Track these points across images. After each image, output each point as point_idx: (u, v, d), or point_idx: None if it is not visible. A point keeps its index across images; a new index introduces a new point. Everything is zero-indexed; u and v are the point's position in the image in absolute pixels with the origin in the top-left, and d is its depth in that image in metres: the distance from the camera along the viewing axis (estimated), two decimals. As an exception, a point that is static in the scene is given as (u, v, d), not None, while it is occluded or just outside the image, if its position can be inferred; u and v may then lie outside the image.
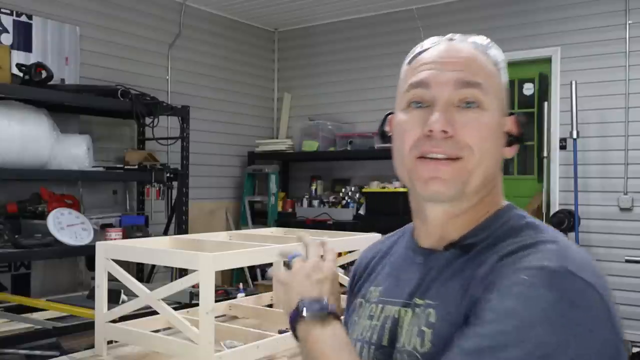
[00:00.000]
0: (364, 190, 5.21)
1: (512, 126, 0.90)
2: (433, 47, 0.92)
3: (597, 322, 0.73)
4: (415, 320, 0.86)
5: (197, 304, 1.76)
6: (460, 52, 0.89)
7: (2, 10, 4.06)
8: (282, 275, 0.98)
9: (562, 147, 4.77)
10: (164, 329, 2.17)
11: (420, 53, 0.93)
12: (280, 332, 2.10)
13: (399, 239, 1.02)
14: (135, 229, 3.97)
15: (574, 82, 4.45)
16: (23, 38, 4.15)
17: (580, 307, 0.72)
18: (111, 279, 1.96)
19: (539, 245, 0.79)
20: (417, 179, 0.86)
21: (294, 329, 0.91)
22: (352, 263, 2.16)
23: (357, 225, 4.87)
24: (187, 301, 2.90)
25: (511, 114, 0.91)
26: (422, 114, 0.86)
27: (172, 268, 4.58)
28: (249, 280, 5.21)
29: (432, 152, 0.84)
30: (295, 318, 0.91)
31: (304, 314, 0.89)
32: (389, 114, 0.96)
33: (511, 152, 0.91)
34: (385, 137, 0.95)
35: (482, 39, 0.93)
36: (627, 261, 4.37)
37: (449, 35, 0.93)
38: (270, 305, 2.56)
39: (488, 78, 0.87)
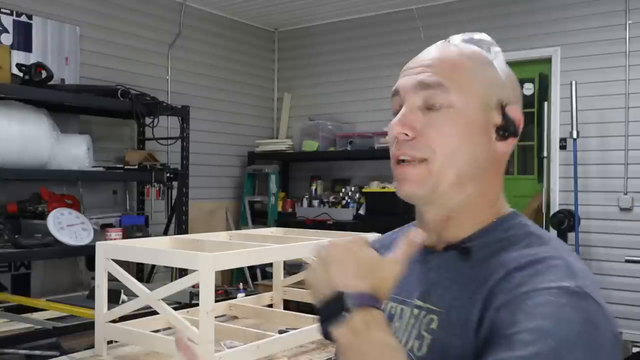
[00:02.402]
0: (364, 190, 5.21)
1: (500, 118, 0.87)
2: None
3: (612, 342, 0.73)
4: (414, 322, 0.86)
5: (197, 304, 1.76)
6: (428, 54, 0.89)
7: (2, 10, 4.06)
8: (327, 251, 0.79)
9: (562, 147, 4.77)
10: (164, 329, 2.17)
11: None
12: (280, 332, 2.10)
13: (401, 237, 1.00)
14: (135, 229, 3.97)
15: (574, 82, 4.46)
16: (23, 38, 4.15)
17: (601, 328, 0.72)
18: (111, 279, 1.96)
19: (547, 261, 0.77)
20: (395, 180, 0.89)
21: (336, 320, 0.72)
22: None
23: (357, 225, 4.87)
24: (187, 301, 2.90)
25: (501, 106, 0.87)
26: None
27: (172, 268, 4.58)
28: (249, 280, 5.21)
29: (397, 155, 0.86)
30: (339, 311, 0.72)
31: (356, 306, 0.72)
32: None
33: (505, 146, 0.87)
34: None
35: (474, 35, 0.92)
36: (627, 261, 4.37)
37: (450, 37, 0.93)
38: (270, 306, 2.56)
39: (456, 73, 0.86)
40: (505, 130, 0.87)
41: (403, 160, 0.86)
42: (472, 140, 0.85)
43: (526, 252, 0.80)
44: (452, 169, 0.84)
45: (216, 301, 1.96)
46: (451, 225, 0.89)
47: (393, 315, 0.92)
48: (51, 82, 3.70)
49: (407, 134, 0.84)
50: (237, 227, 5.63)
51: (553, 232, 4.56)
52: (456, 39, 0.92)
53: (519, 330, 0.70)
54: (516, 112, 0.88)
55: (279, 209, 5.68)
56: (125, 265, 2.01)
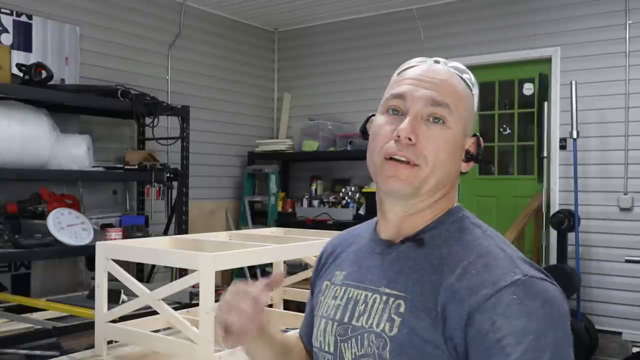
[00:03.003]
0: (364, 190, 5.21)
1: (472, 146, 1.04)
2: (418, 65, 1.05)
3: (562, 300, 0.91)
4: (384, 307, 0.97)
5: (197, 304, 1.76)
6: (437, 74, 1.02)
7: (2, 10, 4.06)
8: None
9: (562, 147, 4.77)
10: (164, 329, 2.17)
11: (407, 69, 1.06)
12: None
13: (363, 231, 1.15)
14: (135, 229, 3.97)
15: (574, 82, 4.45)
16: (23, 38, 4.15)
17: (555, 299, 0.90)
18: (111, 279, 1.96)
19: (492, 254, 0.94)
20: (380, 176, 0.99)
21: None
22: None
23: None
24: (187, 301, 2.90)
25: (474, 135, 1.04)
26: (396, 120, 0.99)
27: (172, 268, 4.58)
28: (249, 281, 5.21)
29: (396, 154, 0.97)
30: None
31: None
32: (372, 115, 1.09)
33: (467, 167, 1.05)
34: (365, 134, 1.08)
35: (461, 66, 1.06)
36: (627, 261, 4.37)
37: (435, 58, 1.07)
38: (270, 306, 2.56)
39: (457, 101, 1.00)
40: (472, 156, 1.04)
41: (396, 159, 0.97)
42: (453, 158, 1.00)
43: (473, 243, 0.97)
44: (435, 177, 0.98)
45: (216, 301, 1.95)
46: (410, 220, 1.02)
47: (352, 300, 1.04)
48: (51, 82, 3.70)
49: (410, 139, 0.96)
50: (237, 227, 5.63)
51: (552, 235, 4.56)
52: (445, 63, 1.06)
53: (503, 335, 0.86)
54: (481, 143, 1.05)
55: (279, 209, 5.68)
56: (125, 265, 2.01)
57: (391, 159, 0.97)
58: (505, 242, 0.99)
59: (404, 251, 1.01)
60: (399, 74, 1.07)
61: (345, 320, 1.02)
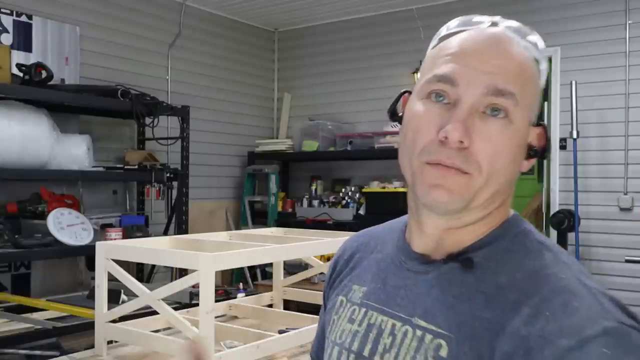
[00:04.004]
0: (364, 190, 5.21)
1: (537, 138, 0.81)
2: (470, 31, 0.80)
3: None
4: (418, 346, 0.76)
5: (197, 304, 1.76)
6: (501, 49, 0.77)
7: (2, 10, 4.06)
8: None
9: (562, 147, 4.77)
10: (164, 329, 2.17)
11: (454, 34, 0.81)
12: (280, 332, 2.10)
13: (387, 235, 0.93)
14: (135, 229, 3.97)
15: (574, 82, 4.46)
16: (23, 38, 4.15)
17: None
18: (111, 279, 1.96)
19: (570, 290, 0.71)
20: (420, 183, 0.77)
21: None
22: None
23: (357, 225, 4.86)
24: (187, 301, 2.90)
25: (539, 124, 0.80)
26: (442, 112, 0.76)
27: (172, 268, 4.58)
28: (249, 280, 5.21)
29: (444, 162, 0.74)
30: None
31: None
32: (404, 92, 0.85)
33: (528, 165, 0.82)
34: (395, 116, 0.85)
35: (526, 29, 0.82)
36: (627, 261, 4.37)
37: (492, 18, 0.83)
38: (270, 306, 2.56)
39: (525, 85, 0.77)
40: (535, 151, 0.81)
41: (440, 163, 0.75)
42: (515, 161, 0.78)
43: (543, 272, 0.73)
44: (491, 187, 0.76)
45: (216, 301, 1.96)
46: (454, 235, 0.80)
47: (375, 327, 0.82)
48: (51, 82, 3.70)
49: (463, 142, 0.73)
50: (237, 227, 5.63)
51: (552, 235, 4.56)
52: (506, 25, 0.82)
53: None
54: (548, 134, 0.82)
55: (279, 209, 5.68)
56: (125, 265, 2.01)
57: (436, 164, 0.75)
58: (583, 272, 0.75)
59: (446, 273, 0.78)
60: (442, 39, 0.82)
61: (366, 354, 0.81)
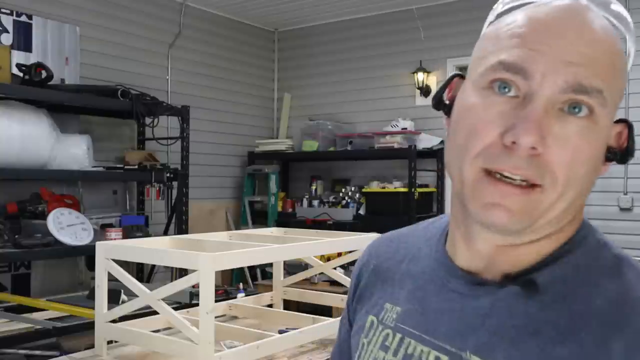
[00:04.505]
0: (364, 190, 5.21)
1: (615, 138, 0.65)
2: (541, 4, 0.63)
3: None
4: None
5: (197, 304, 1.76)
6: (586, 31, 0.60)
7: (2, 10, 4.06)
8: None
9: (562, 147, 4.77)
10: (164, 329, 2.17)
11: (524, 5, 0.64)
12: (280, 332, 2.10)
13: (420, 241, 0.78)
14: (135, 229, 3.97)
15: (574, 82, 4.46)
16: (23, 38, 4.15)
17: None
18: (111, 279, 1.96)
19: None
20: (473, 198, 0.62)
21: None
22: (352, 263, 2.16)
23: (357, 225, 4.87)
24: (187, 301, 2.90)
25: (622, 120, 0.65)
26: (507, 108, 0.60)
27: (172, 268, 4.58)
28: (249, 280, 5.21)
29: (509, 172, 0.59)
30: None
31: None
32: (457, 75, 0.70)
33: (605, 169, 0.66)
34: (440, 104, 0.70)
35: (620, 10, 0.65)
36: (627, 261, 4.37)
37: None
38: (270, 306, 2.56)
39: (614, 79, 0.61)
40: (615, 154, 0.65)
41: (505, 177, 0.60)
42: (596, 167, 0.63)
43: (630, 295, 0.60)
44: (564, 203, 0.61)
45: (216, 301, 1.95)
46: (512, 253, 0.65)
47: (412, 358, 0.69)
48: (51, 82, 3.70)
49: (536, 148, 0.58)
50: (237, 227, 5.63)
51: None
52: (612, 6, 0.65)
53: None
54: (633, 130, 0.66)
55: (279, 209, 5.68)
56: (125, 265, 2.01)
57: (496, 173, 0.60)
58: None
59: (504, 299, 0.64)
60: (504, 12, 0.66)
61: None
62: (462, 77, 0.69)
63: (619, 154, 0.65)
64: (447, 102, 0.69)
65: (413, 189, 4.87)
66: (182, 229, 4.33)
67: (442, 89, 0.70)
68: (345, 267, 3.33)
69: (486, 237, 0.65)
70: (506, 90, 0.61)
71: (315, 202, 5.48)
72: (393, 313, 0.74)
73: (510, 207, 0.59)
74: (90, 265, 3.59)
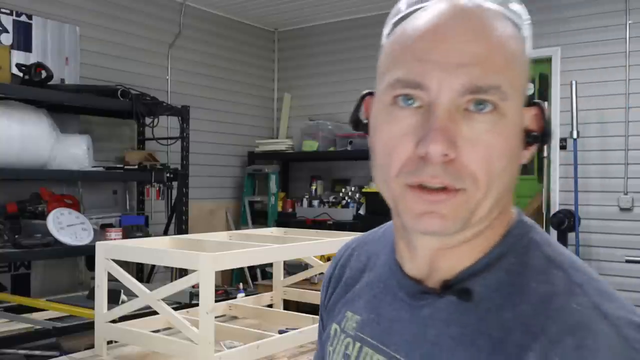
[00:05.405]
0: (364, 190, 5.20)
1: (533, 121, 0.66)
2: (430, 8, 0.63)
3: None
4: None
5: (197, 304, 1.76)
6: (477, 29, 0.61)
7: (1, 10, 4.06)
8: None
9: (562, 147, 4.77)
10: (164, 329, 2.17)
11: (412, 13, 0.65)
12: (280, 332, 2.10)
13: (379, 247, 0.80)
14: (135, 229, 3.97)
15: (574, 82, 4.45)
16: (23, 38, 4.14)
17: None
18: (111, 279, 1.96)
19: (587, 328, 0.58)
20: (405, 212, 0.64)
21: None
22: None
23: (357, 225, 4.86)
24: (187, 301, 2.90)
25: (534, 103, 0.66)
26: (415, 119, 0.61)
27: (172, 268, 4.58)
28: (249, 280, 5.21)
29: (429, 182, 0.61)
30: None
31: None
32: (368, 94, 0.73)
33: (529, 154, 0.67)
34: (359, 125, 0.73)
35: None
36: (627, 261, 4.37)
37: None
38: (270, 306, 2.56)
39: (511, 67, 0.62)
40: (535, 136, 0.66)
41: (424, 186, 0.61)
42: (515, 157, 0.64)
43: (552, 302, 0.60)
44: (491, 198, 0.62)
45: (216, 301, 1.95)
46: (449, 256, 0.67)
47: (349, 357, 0.73)
48: (51, 82, 3.70)
49: (448, 154, 0.59)
50: (237, 227, 5.62)
51: (553, 236, 4.55)
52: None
53: None
54: (545, 112, 0.66)
55: (279, 209, 5.67)
56: (125, 265, 2.01)
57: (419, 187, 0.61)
58: (603, 291, 0.61)
59: (443, 309, 0.65)
60: (396, 25, 0.67)
61: None
62: (372, 93, 0.70)
63: (540, 137, 0.66)
64: (366, 120, 0.71)
65: (413, 189, 4.86)
66: (182, 229, 4.33)
67: (355, 110, 0.74)
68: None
69: (424, 243, 0.67)
70: (410, 102, 0.62)
71: (315, 202, 5.48)
72: (353, 322, 0.76)
73: (441, 212, 0.61)
74: (90, 265, 3.59)
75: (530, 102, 0.66)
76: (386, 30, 0.70)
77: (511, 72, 0.62)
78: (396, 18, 0.67)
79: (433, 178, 0.60)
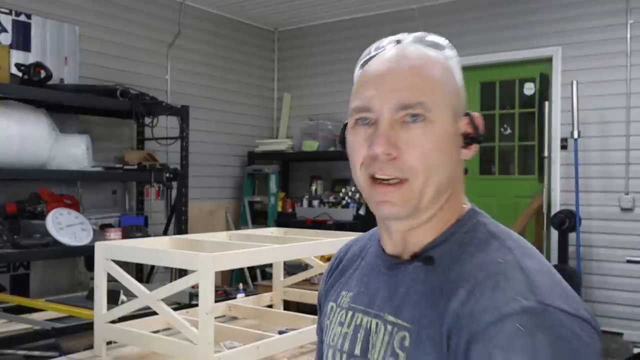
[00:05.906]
0: (364, 190, 5.19)
1: (467, 127, 0.88)
2: (378, 54, 0.91)
3: (586, 343, 0.76)
4: (388, 339, 0.86)
5: (197, 305, 1.75)
6: (403, 64, 0.86)
7: (1, 9, 4.05)
8: None
9: (563, 147, 4.76)
10: (164, 330, 2.16)
11: (368, 60, 0.92)
12: (280, 332, 2.09)
13: (370, 243, 1.02)
14: (135, 229, 3.96)
15: (574, 82, 4.45)
16: (22, 37, 4.14)
17: (569, 338, 0.74)
18: (110, 279, 1.95)
19: (504, 273, 0.78)
20: (371, 200, 0.87)
21: None
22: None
23: (357, 225, 4.86)
24: (187, 302, 2.89)
25: (467, 114, 0.89)
26: (368, 132, 0.86)
27: (172, 268, 4.57)
28: (249, 281, 5.20)
29: (379, 173, 0.84)
30: None
31: None
32: (346, 124, 0.95)
33: (469, 153, 0.89)
34: (344, 143, 0.94)
35: (428, 36, 0.90)
36: (629, 261, 4.36)
37: (397, 37, 0.92)
38: (270, 306, 2.55)
39: (435, 88, 0.85)
40: (471, 138, 0.88)
41: (378, 178, 0.85)
42: (448, 153, 0.85)
43: (485, 259, 0.81)
44: (432, 185, 0.84)
45: (216, 302, 1.95)
46: (415, 235, 0.89)
47: (362, 328, 0.91)
48: (50, 82, 3.69)
49: (390, 154, 0.82)
50: (237, 227, 5.62)
51: (553, 236, 4.54)
52: (409, 40, 0.91)
53: None
54: (479, 120, 0.89)
55: (279, 209, 5.67)
56: (124, 265, 2.00)
57: (376, 179, 0.85)
58: (532, 255, 0.82)
59: (411, 272, 0.87)
60: (361, 66, 0.94)
61: (357, 352, 0.91)
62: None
63: (474, 138, 0.88)
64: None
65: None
66: (181, 229, 4.32)
67: (342, 133, 0.95)
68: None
69: (396, 226, 0.89)
70: (366, 122, 0.86)
71: (315, 202, 5.47)
72: (347, 298, 0.97)
73: (392, 200, 0.84)
74: (90, 265, 3.58)
75: (464, 114, 0.88)
76: (357, 69, 0.96)
77: (437, 94, 0.85)
78: (365, 59, 0.93)
79: (381, 171, 0.84)
